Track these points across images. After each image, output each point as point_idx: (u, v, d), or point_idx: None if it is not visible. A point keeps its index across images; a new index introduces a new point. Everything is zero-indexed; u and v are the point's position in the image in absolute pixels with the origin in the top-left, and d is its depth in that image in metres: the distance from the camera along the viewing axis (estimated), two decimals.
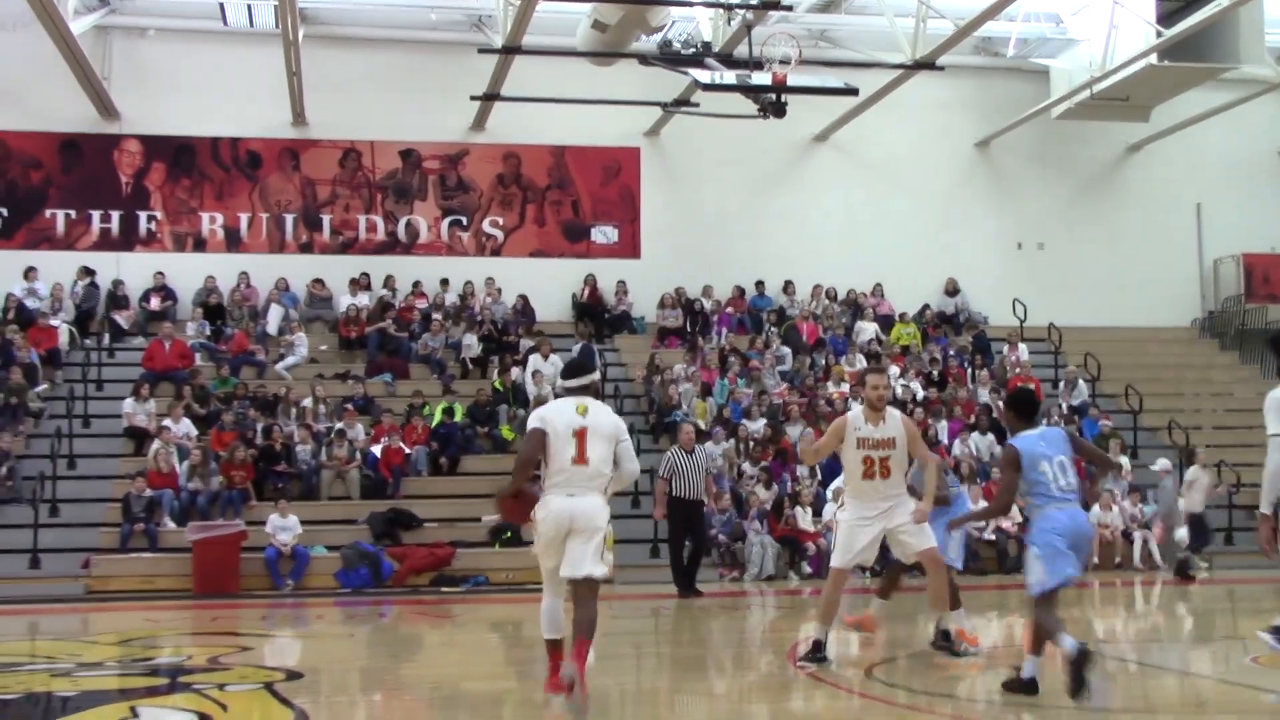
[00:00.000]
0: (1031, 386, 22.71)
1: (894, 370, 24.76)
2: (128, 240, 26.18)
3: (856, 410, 10.44)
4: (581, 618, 8.60)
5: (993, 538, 21.29)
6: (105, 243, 26.08)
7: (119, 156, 26.26)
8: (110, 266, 25.71)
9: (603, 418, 8.88)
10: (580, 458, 8.66)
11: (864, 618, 11.80)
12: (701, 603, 17.30)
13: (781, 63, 19.72)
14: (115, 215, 26.17)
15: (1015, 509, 17.46)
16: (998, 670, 9.86)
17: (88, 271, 25.45)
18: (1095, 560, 21.44)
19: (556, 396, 9.40)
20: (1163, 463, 22.29)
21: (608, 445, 8.78)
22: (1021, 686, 8.83)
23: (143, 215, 26.25)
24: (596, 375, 9.50)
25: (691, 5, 22.10)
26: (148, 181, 26.30)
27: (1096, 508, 21.91)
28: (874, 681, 10.04)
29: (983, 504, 17.99)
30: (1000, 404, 24.07)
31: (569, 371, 9.49)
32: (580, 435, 8.69)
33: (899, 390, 23.71)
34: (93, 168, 26.13)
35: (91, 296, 25.35)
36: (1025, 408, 9.37)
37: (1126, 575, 21.10)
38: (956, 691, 9.36)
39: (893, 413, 10.34)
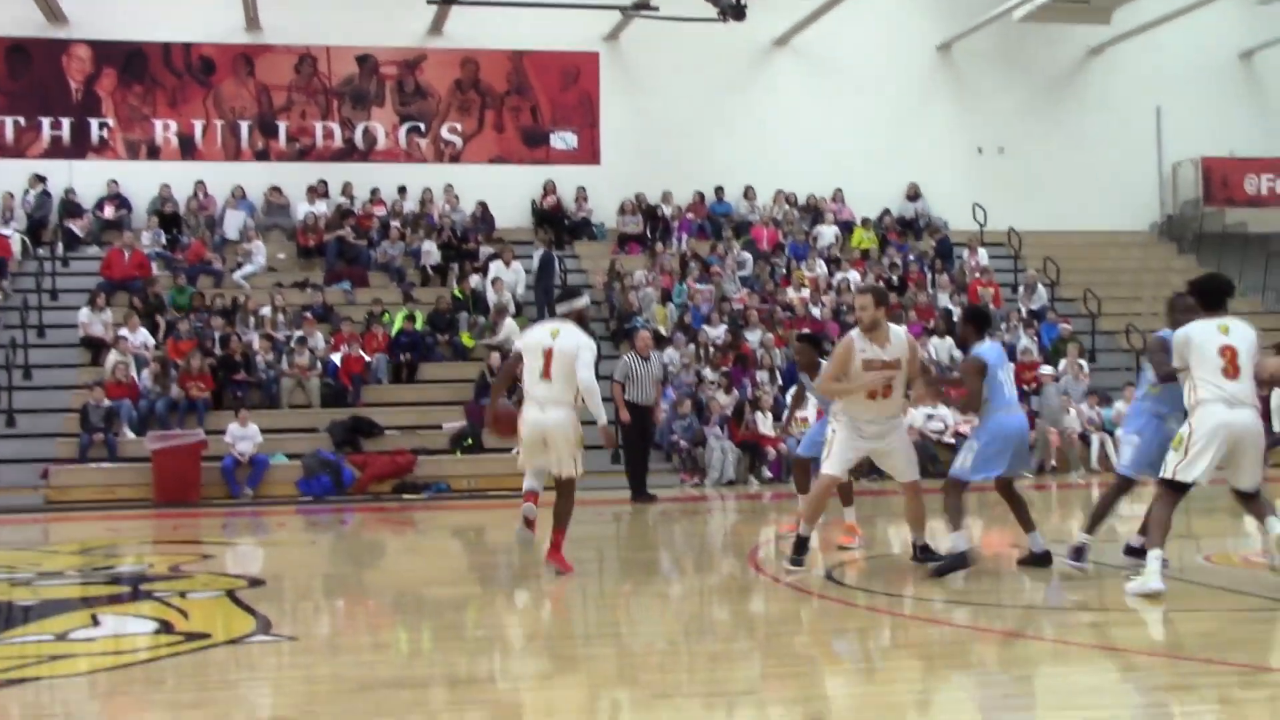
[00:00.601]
0: (987, 303, 22.87)
1: (853, 275, 24.79)
2: (79, 148, 25.79)
3: (858, 330, 10.02)
4: (560, 509, 10.34)
5: (952, 441, 21.42)
6: (56, 150, 25.68)
7: (68, 62, 25.79)
8: (62, 174, 25.34)
9: (568, 341, 10.09)
10: (545, 373, 10.04)
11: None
12: (662, 508, 17.40)
13: None
14: (66, 122, 25.76)
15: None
16: (961, 572, 9.94)
17: (39, 179, 25.08)
18: (1054, 463, 21.73)
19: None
20: (1047, 369, 22.60)
21: (568, 364, 10.00)
22: (956, 560, 9.77)
23: (94, 122, 25.86)
24: (582, 302, 10.66)
25: None
26: (98, 88, 25.87)
27: None
28: (833, 584, 10.13)
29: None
30: (959, 310, 24.19)
31: (559, 298, 11.04)
32: (547, 354, 10.06)
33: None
34: (41, 73, 25.66)
35: (44, 205, 25.02)
36: (982, 321, 10.36)
37: (1083, 477, 21.33)
38: (915, 593, 9.46)
39: (897, 332, 10.08)
